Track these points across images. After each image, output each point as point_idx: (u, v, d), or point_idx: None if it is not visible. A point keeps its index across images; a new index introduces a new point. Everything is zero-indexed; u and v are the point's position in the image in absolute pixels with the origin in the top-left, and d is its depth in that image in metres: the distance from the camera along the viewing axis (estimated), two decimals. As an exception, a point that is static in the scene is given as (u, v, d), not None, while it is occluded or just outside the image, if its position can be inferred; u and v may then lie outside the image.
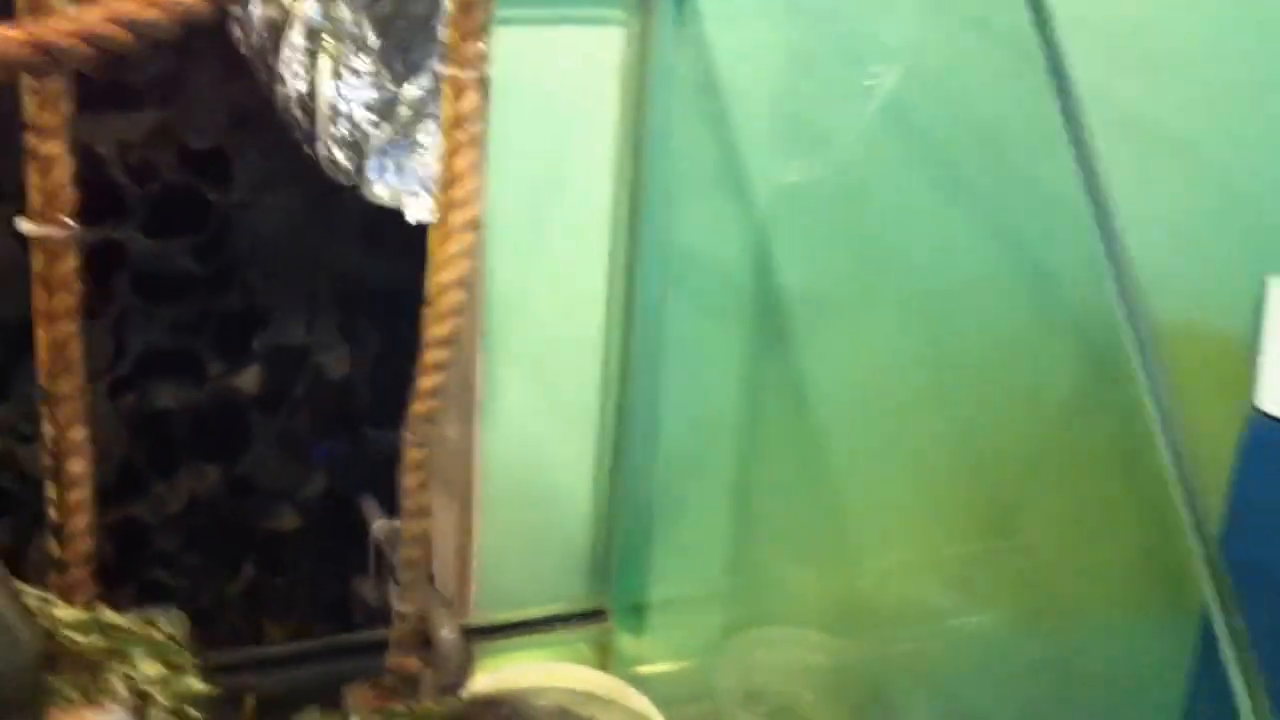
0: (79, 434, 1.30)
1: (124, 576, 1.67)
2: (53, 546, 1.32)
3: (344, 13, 1.50)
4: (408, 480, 1.42)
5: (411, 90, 1.54)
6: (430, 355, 1.37)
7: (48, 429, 1.29)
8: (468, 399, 1.62)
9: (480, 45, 1.33)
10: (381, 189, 1.55)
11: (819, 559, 1.67)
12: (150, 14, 0.93)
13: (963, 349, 1.58)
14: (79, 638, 1.15)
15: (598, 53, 1.59)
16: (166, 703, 1.15)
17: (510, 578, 1.69)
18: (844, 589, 1.67)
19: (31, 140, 1.22)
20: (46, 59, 0.88)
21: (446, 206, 1.35)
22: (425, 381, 1.38)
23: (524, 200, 1.59)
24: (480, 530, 1.65)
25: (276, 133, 1.51)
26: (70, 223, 1.25)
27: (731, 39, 1.59)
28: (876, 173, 1.54)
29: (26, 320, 1.25)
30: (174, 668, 1.18)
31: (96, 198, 1.51)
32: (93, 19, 0.91)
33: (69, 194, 1.24)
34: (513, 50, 1.52)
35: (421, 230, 1.45)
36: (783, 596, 1.70)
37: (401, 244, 1.51)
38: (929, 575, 1.65)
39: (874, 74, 1.53)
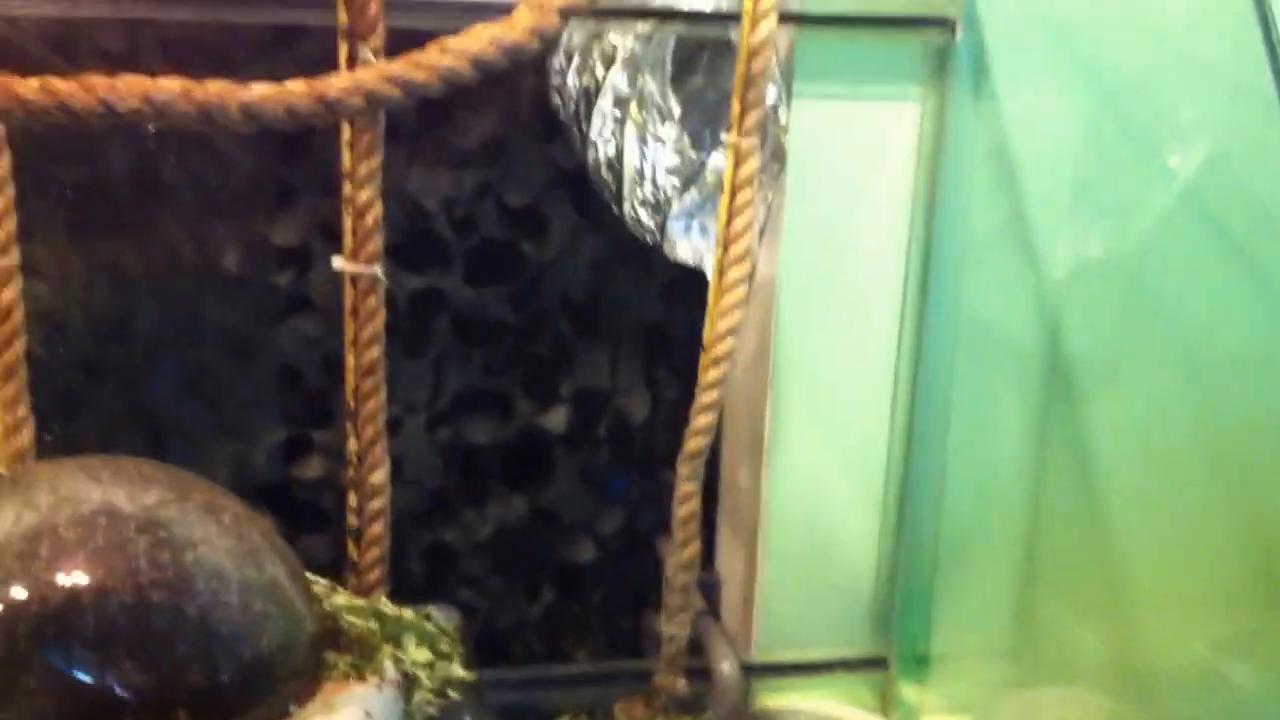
0: (380, 450, 1.51)
1: (433, 595, 1.87)
2: (351, 550, 1.53)
3: (650, 85, 1.69)
4: (678, 512, 1.58)
5: (718, 158, 1.72)
6: (702, 397, 1.54)
7: (352, 444, 1.51)
8: (757, 446, 1.78)
9: (759, 115, 1.49)
10: (684, 249, 1.73)
11: (1100, 621, 1.75)
12: (418, 75, 1.13)
13: (1247, 422, 1.64)
14: (357, 622, 1.35)
15: (893, 127, 1.73)
16: (431, 684, 1.33)
17: (793, 619, 1.83)
18: (1125, 653, 1.74)
19: (348, 188, 1.44)
20: (324, 109, 1.09)
21: (724, 262, 1.51)
22: (697, 421, 1.54)
23: (817, 262, 1.74)
24: (765, 572, 1.80)
25: (588, 193, 1.70)
26: (378, 263, 1.46)
27: (1027, 114, 1.71)
28: (1165, 246, 1.63)
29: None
30: (441, 655, 1.36)
31: (422, 248, 1.75)
32: (368, 76, 1.12)
33: (379, 237, 1.46)
34: (811, 123, 1.68)
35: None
36: (1063, 656, 1.78)
37: (699, 299, 1.68)
38: (1210, 645, 1.71)
39: (1167, 149, 1.63)
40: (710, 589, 1.84)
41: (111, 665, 1.17)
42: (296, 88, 1.12)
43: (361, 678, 1.29)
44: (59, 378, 1.70)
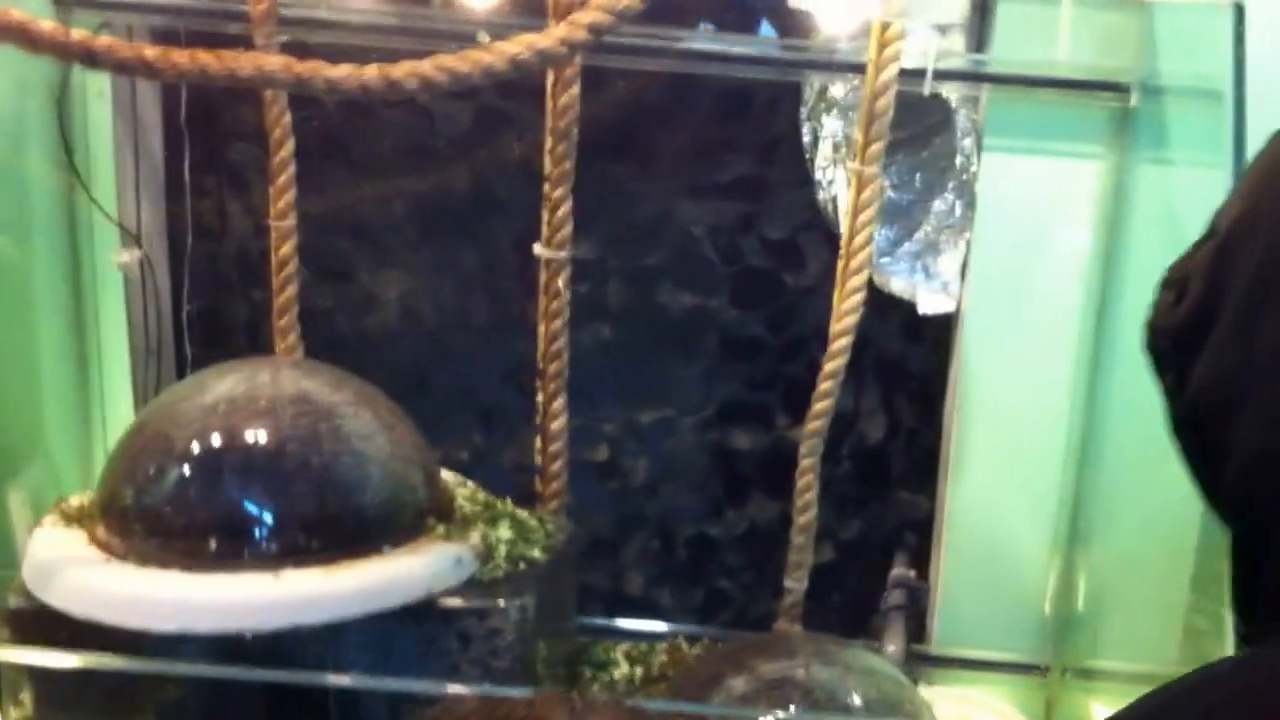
0: (560, 404, 2.15)
1: (693, 582, 2.47)
2: (538, 482, 2.18)
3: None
4: (798, 483, 2.12)
5: (938, 204, 2.26)
6: (821, 386, 2.08)
7: (540, 397, 2.16)
8: (942, 462, 2.28)
9: (880, 148, 2.03)
10: (896, 283, 2.27)
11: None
12: (462, 66, 1.78)
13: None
14: (468, 506, 1.99)
15: (1075, 182, 2.18)
16: (505, 556, 1.95)
17: (966, 621, 2.29)
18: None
19: (546, 188, 2.11)
20: (388, 88, 1.75)
21: (844, 274, 2.06)
22: (816, 407, 2.09)
23: (1001, 298, 2.21)
24: (943, 576, 2.28)
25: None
26: (565, 249, 2.11)
27: (1200, 180, 2.13)
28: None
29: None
30: (525, 540, 1.98)
31: (692, 271, 2.37)
32: (425, 65, 1.77)
33: (568, 228, 2.11)
34: (999, 173, 2.18)
35: (949, 326, 2.21)
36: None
37: (936, 338, 2.22)
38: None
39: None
40: (919, 594, 2.32)
41: (251, 490, 1.85)
42: (370, 71, 1.80)
43: (451, 540, 1.91)
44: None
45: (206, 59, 1.66)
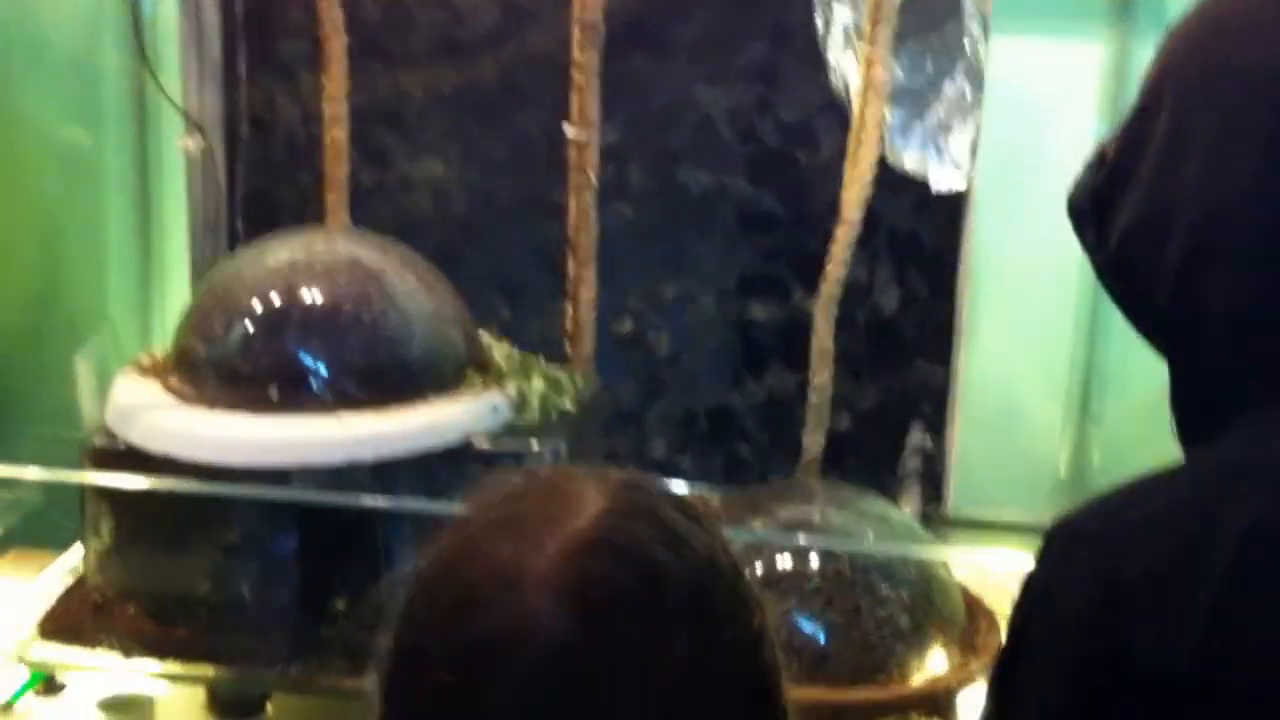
0: (589, 272, 2.43)
1: (714, 448, 2.76)
2: (567, 347, 2.47)
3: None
4: (815, 348, 2.40)
5: (948, 87, 2.54)
6: (836, 252, 2.36)
7: (571, 266, 2.45)
8: (956, 332, 2.55)
9: (886, 32, 2.30)
10: (909, 161, 2.54)
11: None
12: None
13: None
14: (503, 362, 2.29)
15: (1079, 62, 2.44)
16: (539, 407, 2.24)
17: (982, 485, 2.57)
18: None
19: (575, 75, 2.39)
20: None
21: (854, 145, 2.33)
22: (829, 269, 2.37)
23: (1011, 174, 2.48)
24: (958, 442, 2.56)
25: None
26: (592, 129, 2.38)
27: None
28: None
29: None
30: (556, 392, 2.27)
31: (710, 151, 2.65)
32: None
33: (594, 109, 2.39)
34: (1007, 55, 2.45)
35: (960, 202, 2.46)
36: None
37: (948, 214, 2.50)
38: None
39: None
40: (932, 459, 2.61)
41: (309, 343, 2.15)
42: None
43: (488, 389, 2.21)
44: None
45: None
